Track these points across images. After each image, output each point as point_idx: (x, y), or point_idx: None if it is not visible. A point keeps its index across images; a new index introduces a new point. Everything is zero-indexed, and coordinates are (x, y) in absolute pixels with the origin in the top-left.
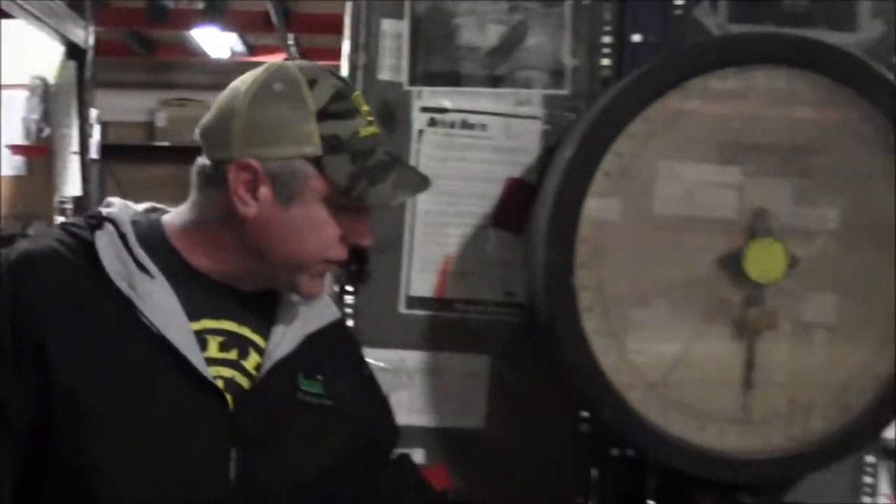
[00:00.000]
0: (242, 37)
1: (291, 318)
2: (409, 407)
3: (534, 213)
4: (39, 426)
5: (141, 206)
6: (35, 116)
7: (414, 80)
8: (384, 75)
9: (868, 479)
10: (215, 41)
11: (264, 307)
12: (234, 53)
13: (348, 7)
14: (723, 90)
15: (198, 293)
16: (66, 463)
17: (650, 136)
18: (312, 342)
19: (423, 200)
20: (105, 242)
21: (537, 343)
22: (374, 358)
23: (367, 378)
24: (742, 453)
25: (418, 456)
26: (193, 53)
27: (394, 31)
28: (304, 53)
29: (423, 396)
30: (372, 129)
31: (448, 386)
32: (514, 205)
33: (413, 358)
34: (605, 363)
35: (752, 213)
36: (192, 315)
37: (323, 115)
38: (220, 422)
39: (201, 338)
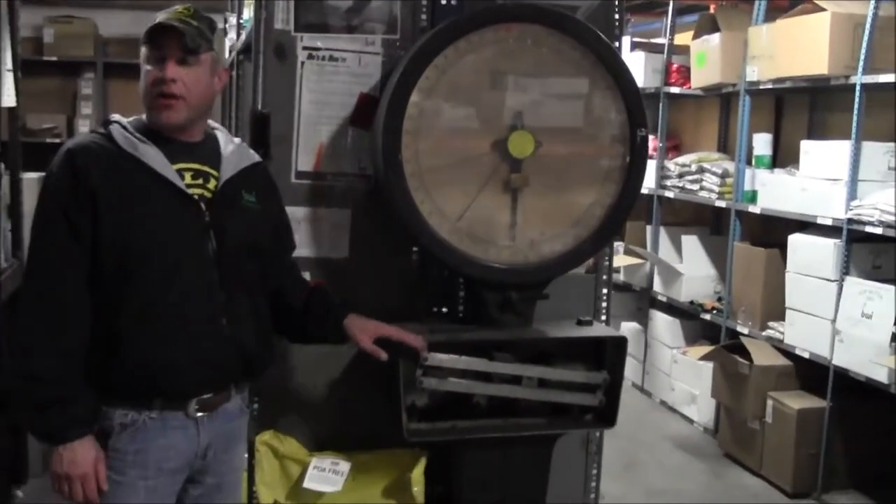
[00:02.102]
0: None
1: (229, 158)
2: (298, 243)
3: (377, 115)
4: (95, 236)
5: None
6: None
7: (297, 28)
8: (278, 25)
9: (603, 306)
10: None
11: (214, 154)
12: None
13: None
14: (495, 37)
15: (174, 148)
16: (114, 251)
17: (448, 66)
18: (247, 172)
19: (305, 109)
20: (117, 131)
21: (380, 200)
22: None
23: (279, 202)
24: (511, 265)
25: (306, 276)
26: None
27: None
28: None
29: (308, 237)
30: (167, 16)
31: (324, 230)
32: (364, 110)
33: (300, 212)
34: (423, 210)
35: (513, 114)
36: (172, 161)
37: (153, 21)
38: (200, 218)
39: (180, 173)
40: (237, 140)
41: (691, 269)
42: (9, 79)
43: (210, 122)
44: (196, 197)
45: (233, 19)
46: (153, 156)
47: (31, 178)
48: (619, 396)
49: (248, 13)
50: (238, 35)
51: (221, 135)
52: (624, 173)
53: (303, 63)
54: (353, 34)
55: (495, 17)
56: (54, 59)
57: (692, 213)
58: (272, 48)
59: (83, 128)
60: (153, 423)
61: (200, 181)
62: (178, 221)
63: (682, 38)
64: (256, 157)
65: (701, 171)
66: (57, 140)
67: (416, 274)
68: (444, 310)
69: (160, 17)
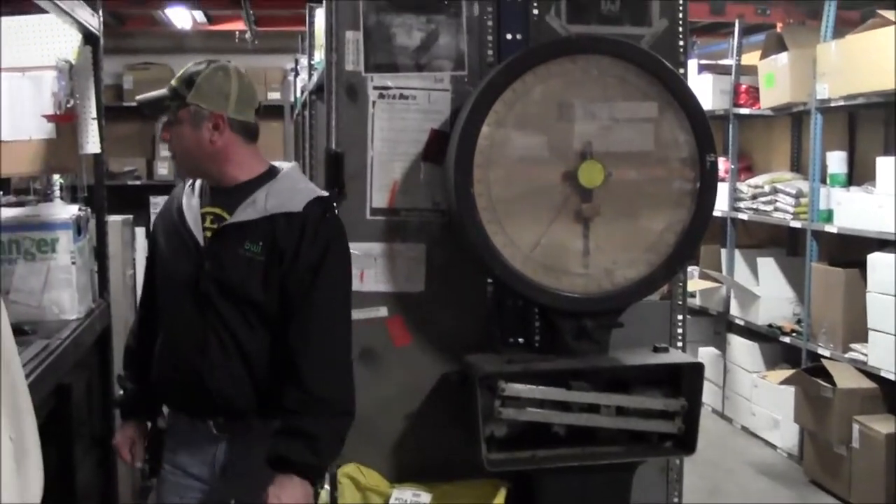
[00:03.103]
0: (205, 9)
1: (246, 206)
2: (375, 279)
3: (448, 150)
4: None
5: None
6: (62, 91)
7: (368, 69)
8: (349, 66)
9: (678, 332)
10: (180, 14)
11: (240, 201)
12: (195, 23)
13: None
14: (560, 70)
15: (213, 193)
16: (156, 279)
17: (516, 100)
18: (265, 222)
19: (377, 146)
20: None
21: (454, 233)
22: (352, 248)
23: (306, 265)
24: (584, 294)
25: (383, 311)
26: (157, 24)
27: (353, 38)
28: (259, 21)
29: (384, 272)
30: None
31: (399, 264)
32: (435, 146)
33: (376, 247)
34: (496, 242)
35: (582, 144)
36: (203, 205)
37: None
38: (194, 259)
39: (203, 216)
40: (299, 187)
41: (768, 291)
42: (94, 126)
43: (285, 166)
44: (198, 239)
45: (304, 61)
46: (190, 202)
47: (115, 220)
48: (697, 423)
49: (319, 55)
50: (310, 76)
51: (280, 178)
52: (695, 198)
53: (374, 102)
54: (422, 72)
55: (561, 50)
56: (133, 104)
57: (767, 235)
58: (344, 89)
59: (161, 170)
60: (184, 429)
61: (216, 226)
62: (182, 261)
63: (750, 59)
64: (295, 208)
65: (774, 191)
66: (137, 182)
67: (492, 305)
68: (520, 340)
69: None
